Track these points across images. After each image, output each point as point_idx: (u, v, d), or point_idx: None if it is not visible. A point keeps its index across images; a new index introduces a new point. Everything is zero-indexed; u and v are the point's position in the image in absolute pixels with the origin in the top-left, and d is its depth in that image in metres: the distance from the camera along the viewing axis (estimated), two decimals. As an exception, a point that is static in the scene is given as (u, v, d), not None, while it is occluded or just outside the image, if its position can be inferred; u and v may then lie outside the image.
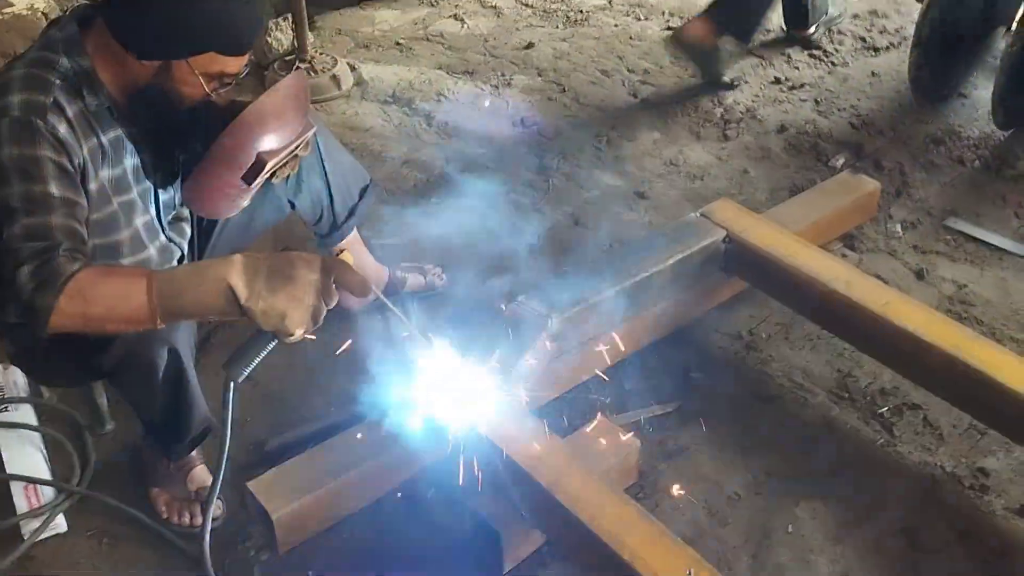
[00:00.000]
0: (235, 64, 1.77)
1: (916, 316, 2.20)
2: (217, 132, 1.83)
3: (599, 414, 2.07)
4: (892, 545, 1.97)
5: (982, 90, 3.43)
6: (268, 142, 1.87)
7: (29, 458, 2.06)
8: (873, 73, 3.69)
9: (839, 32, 3.97)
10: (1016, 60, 3.07)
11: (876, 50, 3.85)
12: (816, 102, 3.54)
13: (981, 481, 2.10)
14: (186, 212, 2.05)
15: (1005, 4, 3.19)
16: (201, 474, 2.03)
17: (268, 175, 1.91)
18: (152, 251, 1.93)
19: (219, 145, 1.84)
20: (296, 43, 3.64)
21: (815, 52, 3.84)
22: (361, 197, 2.35)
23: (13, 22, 3.69)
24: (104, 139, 1.75)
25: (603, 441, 2.00)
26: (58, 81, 1.67)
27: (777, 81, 3.68)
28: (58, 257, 1.53)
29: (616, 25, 4.14)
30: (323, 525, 1.94)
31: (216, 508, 1.96)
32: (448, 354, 1.90)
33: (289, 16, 3.67)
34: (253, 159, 1.85)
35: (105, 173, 1.77)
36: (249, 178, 1.87)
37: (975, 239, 2.83)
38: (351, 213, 2.32)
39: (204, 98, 1.78)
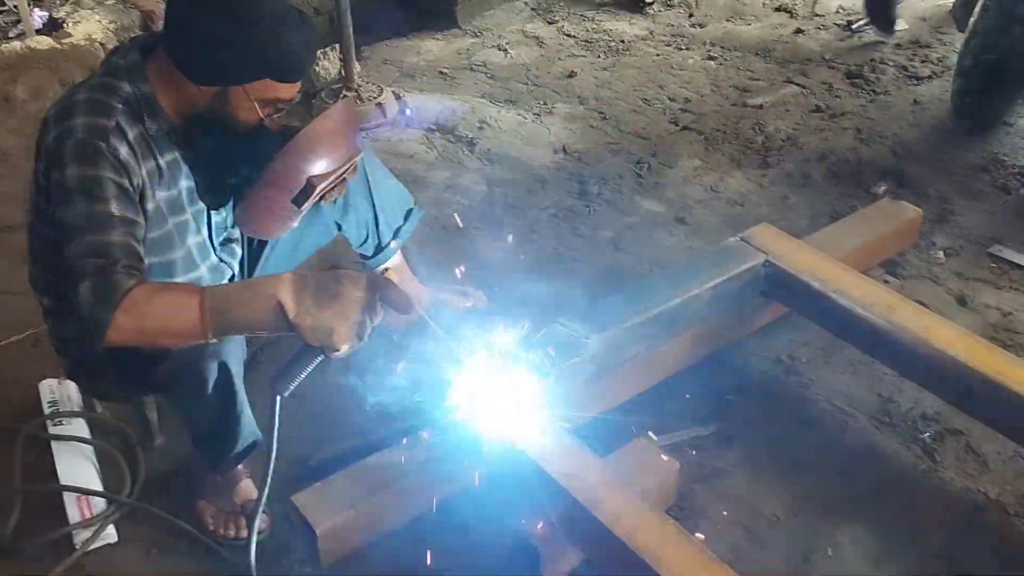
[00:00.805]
0: (288, 90, 1.83)
1: (958, 341, 2.19)
2: (269, 156, 1.90)
3: (637, 435, 2.08)
4: (933, 570, 1.95)
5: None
6: (318, 166, 1.93)
7: (82, 470, 2.12)
8: (916, 102, 3.69)
9: (881, 62, 3.98)
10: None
11: (919, 79, 3.86)
12: (858, 130, 3.55)
13: (1026, 508, 2.08)
14: (237, 233, 2.12)
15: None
16: (247, 487, 2.08)
17: (317, 198, 1.97)
18: (204, 270, 1.99)
19: (271, 169, 1.90)
20: (343, 72, 3.73)
21: (857, 81, 3.86)
22: (405, 219, 2.40)
23: (71, 52, 3.83)
24: (162, 161, 1.82)
25: (642, 461, 2.01)
26: (120, 106, 1.74)
27: (818, 109, 3.70)
28: (116, 273, 1.60)
29: (657, 55, 4.19)
30: (365, 539, 1.98)
31: (261, 521, 2.00)
32: (488, 373, 1.94)
33: (337, 46, 3.77)
34: (303, 182, 1.92)
35: (162, 194, 1.84)
36: (299, 200, 1.93)
37: (1020, 266, 2.81)
38: (395, 235, 2.38)
39: (258, 123, 1.85)
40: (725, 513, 2.07)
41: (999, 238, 2.93)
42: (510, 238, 2.98)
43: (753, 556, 1.98)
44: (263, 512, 1.99)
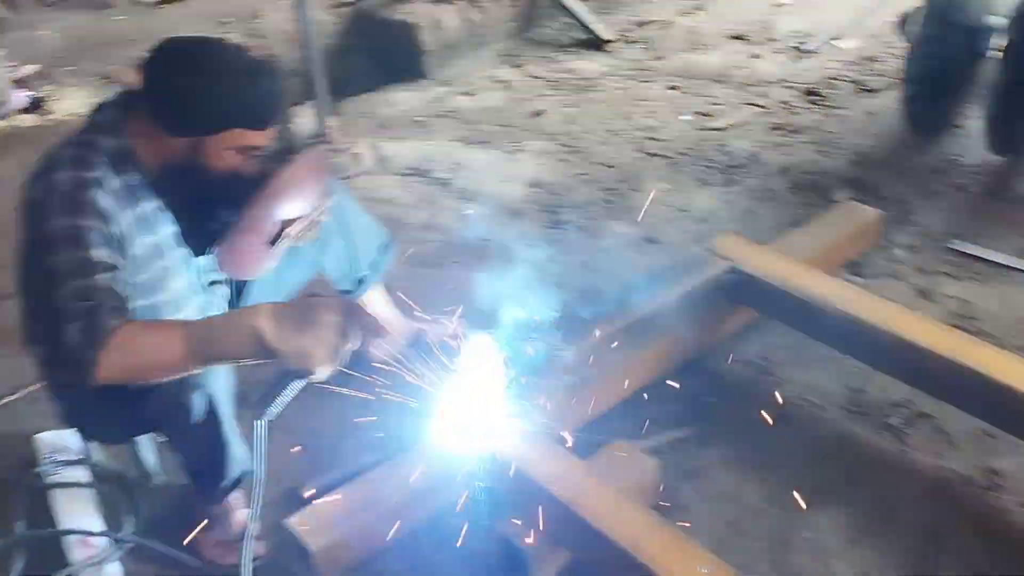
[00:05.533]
0: (260, 138, 1.94)
1: (919, 327, 2.28)
2: (246, 201, 2.00)
3: (618, 440, 2.16)
4: (908, 545, 2.03)
5: (978, 119, 3.56)
6: (290, 210, 2.04)
7: (82, 513, 2.18)
8: (870, 113, 3.84)
9: (835, 79, 4.14)
10: (1003, 89, 3.20)
11: (872, 91, 4.01)
12: (817, 144, 3.68)
13: (994, 480, 2.16)
14: (222, 275, 2.22)
15: (985, 35, 3.33)
16: (243, 517, 2.14)
17: (290, 240, 2.07)
18: (189, 312, 2.08)
19: (246, 214, 2.00)
20: (320, 126, 3.87)
21: (814, 98, 4.01)
22: (381, 254, 2.50)
23: (55, 128, 3.98)
24: (143, 209, 1.92)
25: (622, 461, 2.09)
26: (101, 159, 1.85)
27: (778, 127, 3.84)
28: (102, 315, 1.69)
29: (621, 89, 4.35)
30: (360, 556, 2.04)
31: (258, 548, 2.07)
32: (469, 388, 2.04)
33: (313, 102, 3.91)
34: (276, 226, 2.02)
35: (145, 240, 1.94)
36: (273, 243, 2.04)
37: (978, 258, 2.92)
38: (372, 270, 2.48)
39: (232, 171, 1.95)
40: (707, 507, 2.15)
41: (957, 233, 3.04)
42: (486, 268, 3.08)
43: (735, 544, 2.05)
44: (260, 539, 2.07)
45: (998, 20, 3.28)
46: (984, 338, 2.53)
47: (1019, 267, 2.86)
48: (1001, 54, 3.24)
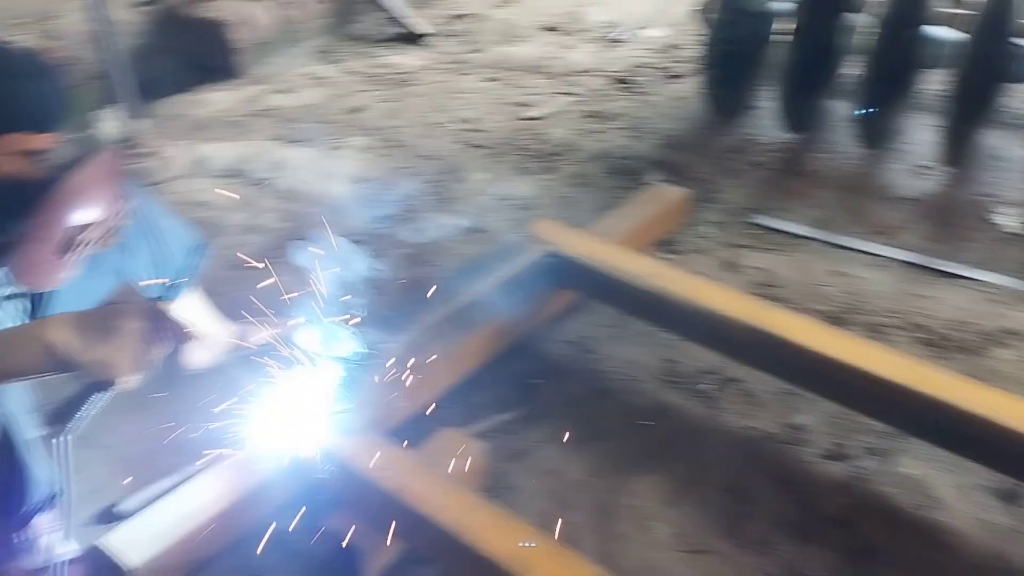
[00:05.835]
0: (41, 141, 1.83)
1: (723, 299, 2.42)
2: (34, 209, 1.89)
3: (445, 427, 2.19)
4: (720, 502, 2.15)
5: (772, 100, 3.79)
6: (82, 216, 1.94)
7: None
8: (676, 98, 4.03)
9: (644, 67, 4.31)
10: (793, 71, 3.43)
11: (677, 77, 4.21)
12: (629, 129, 3.83)
13: (794, 435, 2.32)
14: (19, 288, 2.09)
15: (769, 20, 3.54)
16: (52, 543, 2.03)
17: (84, 248, 1.97)
18: (-24, 330, 1.95)
19: (33, 222, 1.90)
20: (127, 130, 3.70)
21: (624, 85, 4.16)
22: (193, 258, 2.42)
23: None
24: (-82, 222, 1.79)
25: (449, 448, 2.11)
26: None
27: (592, 115, 3.96)
28: None
29: (440, 82, 4.37)
30: (187, 571, 1.97)
31: (72, 573, 1.97)
32: (291, 388, 2.01)
33: (120, 105, 3.73)
34: (65, 234, 1.92)
35: (-79, 255, 1.80)
36: (62, 252, 1.94)
37: (776, 230, 3.12)
38: (183, 274, 2.39)
39: (15, 176, 1.84)
40: (534, 484, 2.20)
41: (757, 208, 3.24)
42: (309, 267, 3.03)
43: (559, 516, 2.10)
44: (75, 562, 1.97)
45: (781, 6, 3.50)
46: (784, 304, 2.72)
47: (813, 236, 3.07)
48: (791, 38, 3.47)
